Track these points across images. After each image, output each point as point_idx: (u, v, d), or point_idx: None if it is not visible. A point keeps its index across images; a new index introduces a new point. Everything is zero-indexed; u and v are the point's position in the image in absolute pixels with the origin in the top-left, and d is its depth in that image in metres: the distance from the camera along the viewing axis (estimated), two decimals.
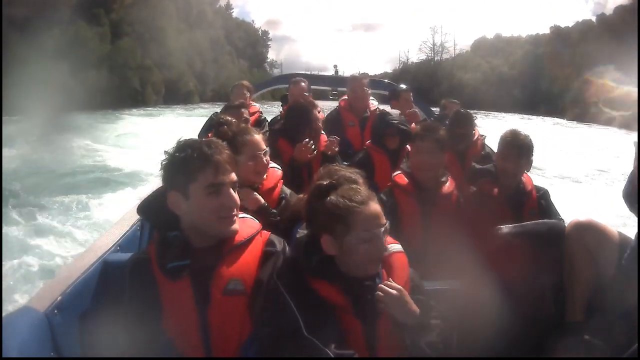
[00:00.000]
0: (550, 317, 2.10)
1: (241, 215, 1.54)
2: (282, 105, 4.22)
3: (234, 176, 1.44)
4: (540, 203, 2.54)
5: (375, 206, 1.43)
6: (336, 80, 5.87)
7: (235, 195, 1.44)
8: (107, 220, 5.70)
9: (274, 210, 2.16)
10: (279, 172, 2.38)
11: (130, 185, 8.30)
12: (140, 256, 1.48)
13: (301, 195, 2.06)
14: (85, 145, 12.60)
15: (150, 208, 1.65)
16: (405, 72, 60.27)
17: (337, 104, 4.09)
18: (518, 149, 2.46)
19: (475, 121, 3.31)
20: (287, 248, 1.51)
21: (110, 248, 1.96)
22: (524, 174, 2.54)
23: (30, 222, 6.11)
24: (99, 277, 1.77)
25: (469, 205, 2.46)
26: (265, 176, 2.28)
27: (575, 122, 29.00)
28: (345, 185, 1.48)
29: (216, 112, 4.04)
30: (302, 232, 1.58)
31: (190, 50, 36.31)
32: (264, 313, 1.36)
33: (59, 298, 1.58)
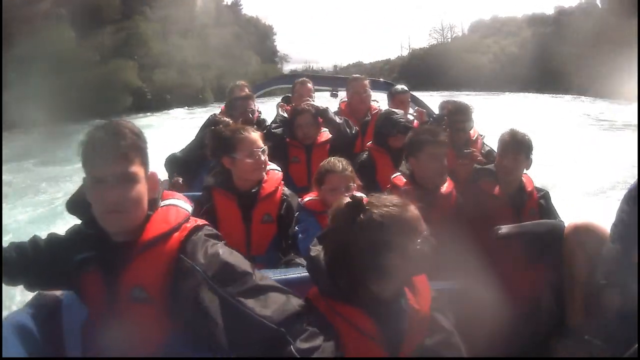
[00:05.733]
0: (550, 318, 2.10)
1: (167, 201, 1.39)
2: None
3: (116, 168, 1.25)
4: (541, 203, 2.55)
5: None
6: (338, 81, 5.80)
7: (123, 191, 1.25)
8: None
9: None
10: (279, 174, 2.35)
11: None
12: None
13: None
14: None
15: (76, 203, 1.63)
16: (416, 57, 59.90)
17: (338, 107, 4.01)
18: (516, 146, 2.48)
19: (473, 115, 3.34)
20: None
21: None
22: (525, 175, 2.55)
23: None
24: None
25: (468, 204, 2.46)
26: (265, 175, 2.26)
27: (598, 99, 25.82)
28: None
29: (214, 113, 4.01)
30: (315, 249, 1.41)
31: (214, 50, 35.95)
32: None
33: (59, 298, 1.58)
